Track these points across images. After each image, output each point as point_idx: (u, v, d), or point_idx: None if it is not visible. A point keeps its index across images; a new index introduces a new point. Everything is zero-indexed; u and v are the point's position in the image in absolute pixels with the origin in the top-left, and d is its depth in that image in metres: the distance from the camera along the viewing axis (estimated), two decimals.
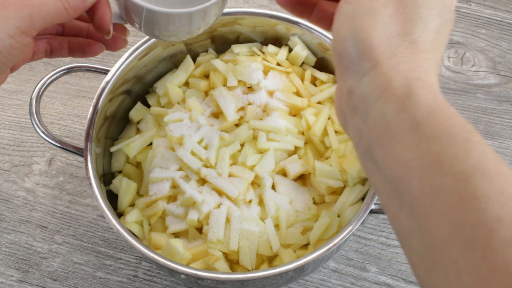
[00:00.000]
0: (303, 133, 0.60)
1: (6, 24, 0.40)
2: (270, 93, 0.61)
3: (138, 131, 0.64)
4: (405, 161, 0.29)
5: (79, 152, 0.57)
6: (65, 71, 0.59)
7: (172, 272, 0.52)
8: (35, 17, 0.41)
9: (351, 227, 0.51)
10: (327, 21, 0.41)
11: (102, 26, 0.45)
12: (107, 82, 0.59)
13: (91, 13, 0.45)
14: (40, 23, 0.42)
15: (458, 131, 0.28)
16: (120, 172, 0.63)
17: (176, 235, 0.57)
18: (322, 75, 0.64)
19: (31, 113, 0.58)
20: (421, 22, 0.32)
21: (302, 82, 0.64)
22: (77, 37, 0.50)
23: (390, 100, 0.30)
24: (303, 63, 0.66)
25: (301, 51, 0.64)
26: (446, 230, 0.26)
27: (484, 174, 0.26)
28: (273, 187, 0.58)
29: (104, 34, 0.46)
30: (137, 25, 0.49)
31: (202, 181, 0.58)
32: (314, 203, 0.59)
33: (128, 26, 0.51)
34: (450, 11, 0.33)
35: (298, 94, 0.63)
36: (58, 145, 0.57)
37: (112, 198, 0.60)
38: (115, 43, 0.50)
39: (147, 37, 0.61)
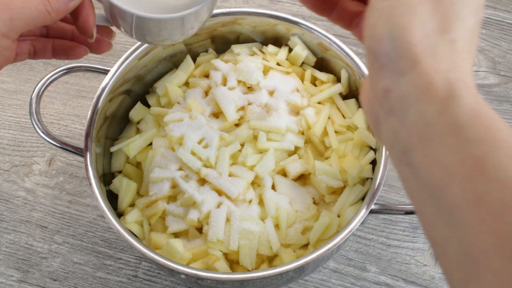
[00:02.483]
0: (303, 133, 0.60)
1: None
2: (270, 93, 0.61)
3: (138, 131, 0.64)
4: (446, 165, 0.28)
5: (79, 152, 0.57)
6: (65, 71, 0.59)
7: (172, 272, 0.52)
8: (16, 20, 0.41)
9: (351, 227, 0.51)
10: (346, 20, 0.40)
11: (85, 29, 0.45)
12: (107, 82, 0.59)
13: (74, 16, 0.45)
14: (22, 26, 0.41)
15: (503, 136, 0.27)
16: (120, 172, 0.63)
17: (176, 235, 0.57)
18: (322, 75, 0.64)
19: (31, 113, 0.58)
20: (459, 19, 0.30)
21: (302, 82, 0.64)
22: (61, 39, 0.50)
23: (432, 100, 0.29)
24: (303, 63, 0.66)
25: (301, 51, 0.64)
26: (489, 240, 0.25)
27: None
28: (273, 187, 0.58)
29: (87, 37, 0.46)
30: (123, 29, 0.48)
31: (202, 181, 0.58)
32: (314, 203, 0.59)
33: (114, 28, 0.50)
34: (483, 9, 0.32)
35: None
36: (58, 145, 0.57)
37: (112, 198, 0.60)
38: (100, 46, 0.50)
39: None
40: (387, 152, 0.33)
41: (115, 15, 0.46)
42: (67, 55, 0.49)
